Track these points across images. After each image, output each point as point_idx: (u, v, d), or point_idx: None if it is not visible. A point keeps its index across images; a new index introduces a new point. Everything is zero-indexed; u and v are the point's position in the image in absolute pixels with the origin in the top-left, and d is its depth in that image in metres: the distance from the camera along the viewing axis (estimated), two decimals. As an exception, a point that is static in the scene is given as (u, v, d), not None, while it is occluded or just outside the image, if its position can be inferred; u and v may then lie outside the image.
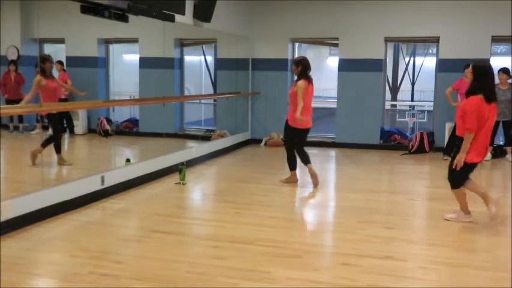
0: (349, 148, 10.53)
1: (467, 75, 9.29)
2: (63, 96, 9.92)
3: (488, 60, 5.81)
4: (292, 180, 7.22)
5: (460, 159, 5.20)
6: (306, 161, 7.08)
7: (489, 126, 5.23)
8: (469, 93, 5.14)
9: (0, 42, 7.50)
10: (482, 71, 5.15)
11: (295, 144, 7.12)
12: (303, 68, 6.94)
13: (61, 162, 7.45)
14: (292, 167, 7.21)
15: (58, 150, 7.43)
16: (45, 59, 7.42)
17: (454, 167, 5.26)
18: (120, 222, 5.55)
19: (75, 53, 10.12)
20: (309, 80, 6.99)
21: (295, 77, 7.11)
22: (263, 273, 4.02)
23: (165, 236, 4.96)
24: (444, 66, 10.12)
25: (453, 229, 5.32)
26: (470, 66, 5.35)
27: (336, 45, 11.07)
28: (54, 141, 7.35)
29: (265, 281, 3.89)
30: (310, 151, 10.54)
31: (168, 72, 10.24)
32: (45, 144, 7.25)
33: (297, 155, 7.15)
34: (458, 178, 5.38)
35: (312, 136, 11.64)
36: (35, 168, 6.76)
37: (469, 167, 5.31)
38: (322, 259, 4.57)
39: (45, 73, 7.23)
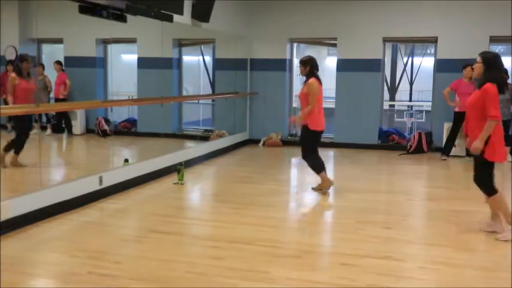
0: (347, 148, 10.53)
1: (466, 75, 9.36)
2: (61, 97, 9.95)
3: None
4: (326, 185, 6.70)
5: (479, 146, 4.80)
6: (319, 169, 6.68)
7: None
8: (482, 84, 4.87)
9: (-1, 42, 7.49)
10: (492, 61, 4.92)
11: (309, 147, 6.72)
12: (311, 67, 6.61)
13: (15, 163, 7.17)
14: (320, 169, 6.71)
15: (18, 151, 7.17)
16: (23, 59, 7.26)
17: (479, 161, 4.94)
18: (119, 222, 5.55)
19: (73, 53, 10.13)
20: (319, 79, 6.66)
21: (303, 78, 6.73)
22: (262, 273, 4.02)
23: (164, 236, 4.95)
24: (442, 66, 10.13)
25: (452, 229, 5.32)
26: (479, 57, 5.03)
27: (335, 45, 11.06)
28: (17, 142, 7.15)
29: (264, 281, 3.89)
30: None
31: (166, 73, 10.24)
32: (7, 148, 7.13)
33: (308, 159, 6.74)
34: (487, 180, 4.97)
35: (310, 136, 11.68)
36: (34, 169, 6.75)
37: (491, 166, 4.96)
38: (321, 259, 4.57)
39: (21, 73, 7.08)
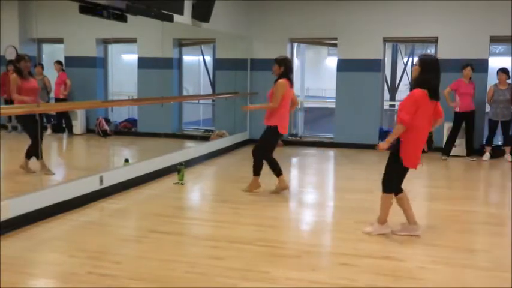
0: (347, 148, 10.53)
1: (465, 75, 9.37)
2: (61, 96, 9.94)
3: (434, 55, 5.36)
4: (253, 188, 6.73)
5: (383, 145, 4.84)
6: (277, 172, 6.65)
7: (427, 128, 4.89)
8: (414, 87, 4.80)
9: (-1, 42, 7.48)
10: (429, 65, 4.81)
11: (266, 148, 6.63)
12: (285, 68, 6.47)
13: (23, 167, 6.94)
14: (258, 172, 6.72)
15: (35, 155, 6.88)
16: (20, 58, 7.13)
17: (388, 168, 4.97)
18: (119, 222, 5.55)
19: (73, 53, 10.12)
20: (291, 81, 6.55)
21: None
22: (262, 273, 4.02)
23: (164, 236, 4.96)
24: (443, 66, 10.03)
25: (452, 229, 5.32)
26: (417, 59, 4.95)
27: (335, 45, 11.06)
28: (33, 146, 6.84)
29: (264, 281, 3.89)
30: (309, 151, 10.63)
31: (166, 72, 10.23)
32: None
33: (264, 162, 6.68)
34: (392, 181, 5.00)
35: (310, 136, 11.71)
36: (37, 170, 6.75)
37: (404, 171, 4.99)
38: (321, 259, 4.57)
39: (21, 73, 6.96)
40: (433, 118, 4.91)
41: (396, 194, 5.06)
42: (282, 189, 6.71)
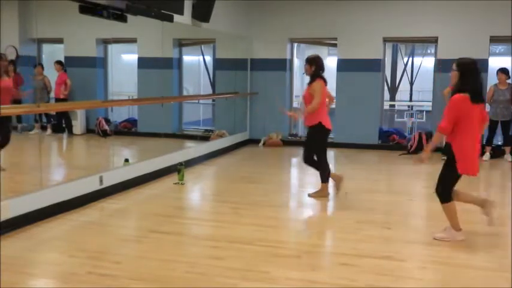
0: (347, 148, 10.53)
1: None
2: (62, 97, 9.94)
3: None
4: (324, 195, 6.50)
5: (424, 157, 4.78)
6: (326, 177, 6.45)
7: (478, 132, 4.78)
8: (454, 93, 4.69)
9: (-1, 42, 7.47)
10: (467, 68, 4.68)
11: (319, 149, 6.45)
12: (317, 67, 6.28)
13: None
14: (326, 178, 6.48)
15: None
16: None
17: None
18: (119, 222, 5.55)
19: (73, 53, 10.12)
20: (325, 80, 6.35)
21: (308, 78, 6.40)
22: (262, 273, 4.02)
23: (164, 236, 4.96)
24: (442, 66, 10.11)
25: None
26: (455, 64, 4.77)
27: (335, 45, 11.06)
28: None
29: (264, 281, 3.89)
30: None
31: (166, 72, 10.23)
32: None
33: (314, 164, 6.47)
34: (448, 190, 4.84)
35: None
36: (33, 169, 6.75)
37: (456, 179, 4.84)
38: (321, 259, 4.57)
39: None
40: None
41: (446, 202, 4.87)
42: (320, 197, 6.49)
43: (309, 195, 6.53)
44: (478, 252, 4.73)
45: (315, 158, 6.44)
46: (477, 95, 4.64)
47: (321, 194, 6.48)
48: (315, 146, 6.45)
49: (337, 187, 6.57)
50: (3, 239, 4.65)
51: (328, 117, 6.45)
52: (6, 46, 8.75)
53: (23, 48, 8.85)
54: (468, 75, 4.64)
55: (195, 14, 8.11)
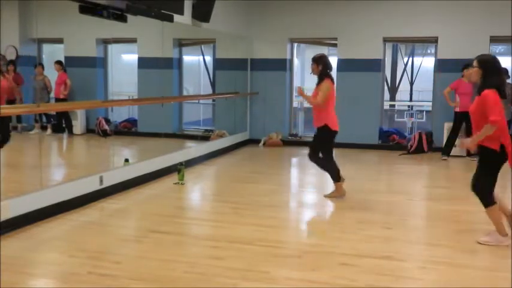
0: (347, 148, 10.50)
1: (466, 76, 9.36)
2: (62, 97, 9.95)
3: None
4: (340, 194, 6.47)
5: (472, 144, 4.76)
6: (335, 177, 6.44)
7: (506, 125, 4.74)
8: (481, 89, 4.69)
9: (-1, 42, 7.47)
10: (490, 65, 4.74)
11: (325, 149, 6.47)
12: (324, 66, 6.26)
13: None
14: (337, 177, 6.47)
15: None
16: None
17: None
18: (119, 222, 5.55)
19: (73, 53, 10.12)
20: (332, 79, 6.35)
21: (316, 78, 6.38)
22: (262, 273, 4.02)
23: (164, 236, 4.96)
24: (443, 66, 10.12)
25: (452, 229, 5.32)
26: (476, 61, 4.80)
27: (335, 45, 11.06)
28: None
29: (264, 281, 3.89)
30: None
31: (166, 72, 10.22)
32: None
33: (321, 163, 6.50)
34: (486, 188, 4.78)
35: (311, 136, 11.65)
36: (33, 169, 6.75)
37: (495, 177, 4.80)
38: (321, 259, 4.56)
39: None
40: None
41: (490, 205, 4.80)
42: (336, 196, 6.48)
43: (325, 196, 6.51)
44: (478, 252, 4.73)
45: (321, 156, 6.46)
46: (502, 91, 4.69)
47: (336, 194, 6.47)
48: (320, 147, 6.47)
49: (330, 195, 6.53)
50: (3, 239, 4.65)
51: (335, 117, 6.44)
52: (6, 46, 8.76)
53: (23, 48, 8.86)
54: (493, 72, 4.69)
55: (195, 14, 8.11)
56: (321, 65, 6.26)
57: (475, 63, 4.81)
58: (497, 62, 4.80)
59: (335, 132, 6.42)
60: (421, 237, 5.13)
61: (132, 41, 10.14)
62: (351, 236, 5.02)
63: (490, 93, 4.62)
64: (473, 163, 9.13)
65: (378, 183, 7.79)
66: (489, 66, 4.73)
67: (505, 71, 9.38)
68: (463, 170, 8.76)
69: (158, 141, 9.55)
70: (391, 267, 4.21)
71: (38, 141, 7.81)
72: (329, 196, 6.49)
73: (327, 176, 7.18)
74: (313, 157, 6.49)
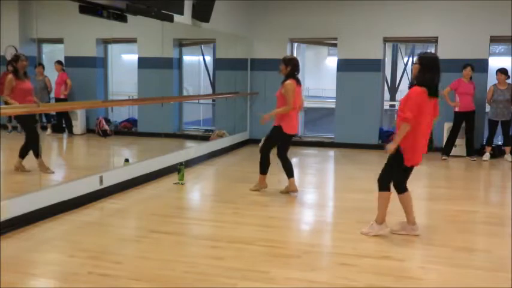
0: (348, 148, 10.54)
1: (465, 75, 9.37)
2: (62, 96, 9.95)
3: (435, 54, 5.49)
4: (262, 186, 6.81)
5: (392, 148, 4.80)
6: (291, 173, 6.66)
7: (428, 125, 4.88)
8: (414, 85, 4.83)
9: (-1, 42, 7.46)
10: (429, 63, 4.83)
11: (269, 147, 6.68)
12: (292, 68, 6.38)
13: (43, 169, 6.74)
14: (264, 170, 6.75)
15: (35, 154, 6.76)
16: (17, 58, 6.95)
17: (390, 162, 4.97)
18: (119, 222, 5.55)
19: (73, 53, 10.12)
20: (298, 81, 6.47)
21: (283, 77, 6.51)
22: (262, 273, 4.02)
23: (164, 236, 4.96)
24: (443, 66, 10.03)
25: (452, 229, 5.32)
26: (417, 58, 4.99)
27: (335, 45, 11.07)
28: (30, 144, 6.82)
29: (263, 281, 3.89)
30: (310, 151, 10.63)
31: (166, 72, 10.23)
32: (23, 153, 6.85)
33: (280, 162, 6.71)
34: (387, 179, 5.06)
35: (311, 136, 11.71)
36: (33, 169, 6.74)
37: (406, 170, 5.01)
38: (321, 259, 4.57)
39: (17, 73, 6.79)
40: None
41: (400, 193, 5.05)
42: (289, 191, 6.70)
43: (250, 189, 6.78)
44: (478, 252, 4.73)
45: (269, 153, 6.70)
46: (433, 90, 4.77)
47: (259, 187, 6.79)
48: (270, 144, 6.67)
49: (285, 190, 6.72)
50: (3, 239, 4.65)
51: (293, 120, 6.52)
52: (7, 46, 8.75)
53: (23, 48, 8.84)
54: (428, 70, 4.78)
55: (195, 14, 8.11)
56: (289, 67, 6.38)
57: (415, 59, 4.98)
58: (438, 61, 4.88)
59: (289, 136, 6.56)
60: (421, 237, 5.12)
61: (132, 41, 10.14)
62: (351, 236, 5.02)
63: (416, 90, 4.73)
64: (474, 163, 9.21)
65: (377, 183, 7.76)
66: (428, 63, 4.83)
67: (505, 71, 9.42)
68: (463, 170, 8.77)
69: (158, 141, 9.54)
70: (391, 267, 4.21)
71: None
72: (253, 189, 6.77)
73: (327, 176, 7.25)
74: (262, 150, 6.71)
